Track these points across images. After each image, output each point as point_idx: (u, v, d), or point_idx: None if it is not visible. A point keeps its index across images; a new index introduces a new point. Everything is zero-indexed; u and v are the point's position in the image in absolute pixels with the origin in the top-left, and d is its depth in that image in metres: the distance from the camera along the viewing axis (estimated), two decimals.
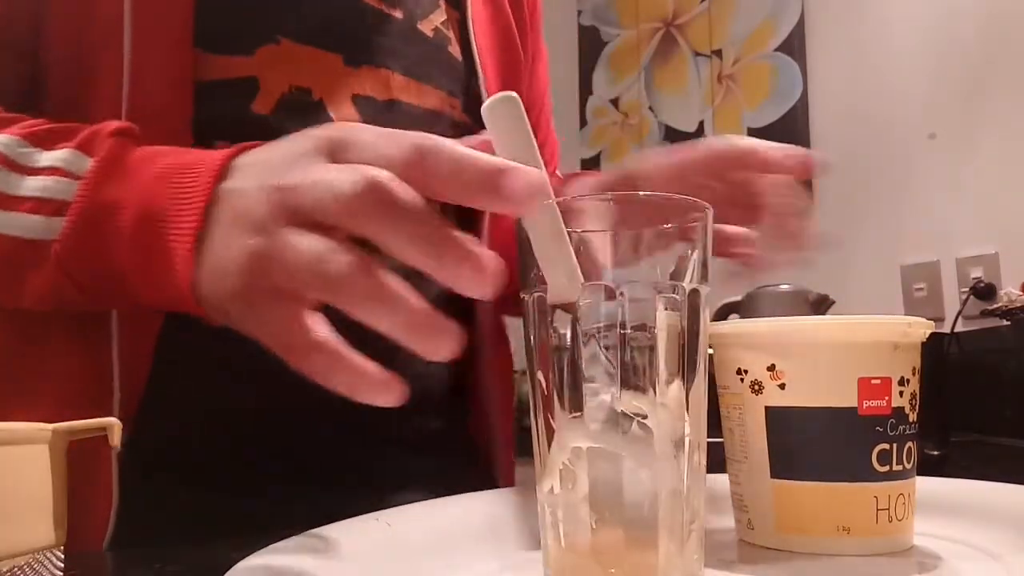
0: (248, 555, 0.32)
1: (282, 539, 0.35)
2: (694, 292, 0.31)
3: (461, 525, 0.40)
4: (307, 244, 0.32)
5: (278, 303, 0.34)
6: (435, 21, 0.65)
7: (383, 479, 0.59)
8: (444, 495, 0.56)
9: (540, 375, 0.31)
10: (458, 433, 0.66)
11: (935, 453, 0.77)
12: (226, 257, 0.35)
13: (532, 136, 0.30)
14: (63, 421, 0.40)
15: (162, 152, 0.42)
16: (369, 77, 0.58)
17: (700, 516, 0.31)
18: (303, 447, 0.56)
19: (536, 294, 0.30)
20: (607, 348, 0.29)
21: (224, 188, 0.37)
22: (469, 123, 0.64)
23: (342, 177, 0.32)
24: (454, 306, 0.60)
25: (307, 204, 0.33)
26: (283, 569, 0.32)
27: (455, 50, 0.66)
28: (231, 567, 0.30)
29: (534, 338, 0.31)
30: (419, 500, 0.52)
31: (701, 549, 0.31)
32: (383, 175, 0.31)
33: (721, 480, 0.42)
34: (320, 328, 0.33)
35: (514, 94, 0.30)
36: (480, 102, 0.46)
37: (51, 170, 0.41)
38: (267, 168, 0.36)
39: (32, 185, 0.41)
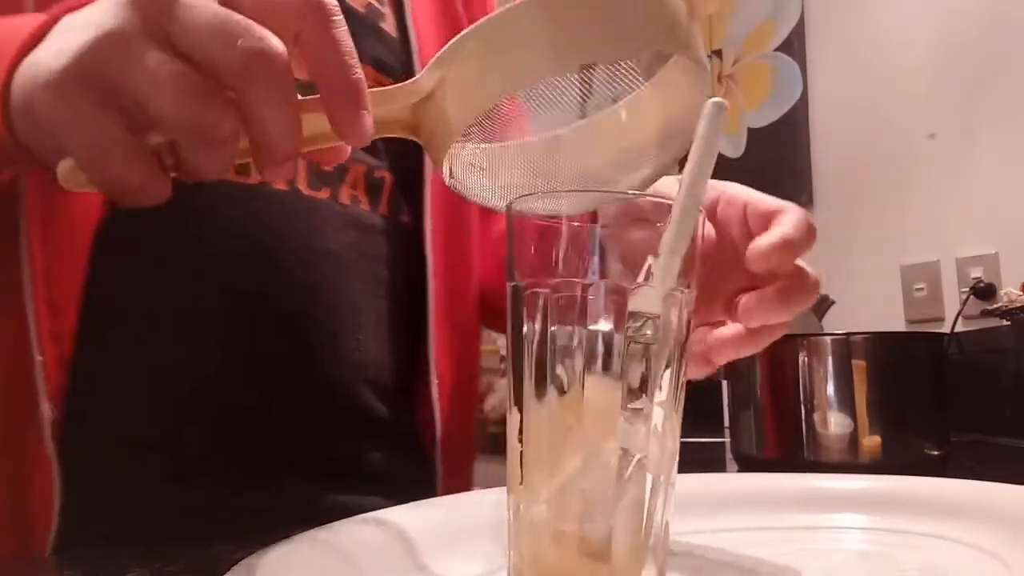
0: (248, 555, 0.32)
1: (282, 539, 0.35)
2: (690, 298, 0.30)
3: (461, 524, 0.40)
4: (162, 58, 0.30)
5: (99, 106, 0.31)
6: None
7: (325, 466, 0.59)
8: (383, 489, 0.59)
9: (527, 369, 0.30)
10: (404, 426, 0.66)
11: (935, 453, 0.77)
12: (62, 41, 0.33)
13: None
14: None
15: None
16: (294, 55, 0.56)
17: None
18: (248, 435, 0.55)
19: (529, 289, 0.30)
20: (609, 347, 0.29)
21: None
22: None
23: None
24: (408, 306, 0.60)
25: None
26: (283, 569, 0.32)
27: (388, 26, 0.64)
28: (231, 567, 0.30)
29: (526, 331, 0.30)
30: (351, 493, 0.56)
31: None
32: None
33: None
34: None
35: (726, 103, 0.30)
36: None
37: None
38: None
39: None
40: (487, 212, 0.72)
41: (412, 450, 0.66)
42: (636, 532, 0.29)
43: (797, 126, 1.77)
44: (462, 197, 0.39)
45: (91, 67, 0.31)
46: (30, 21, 0.36)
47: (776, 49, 1.81)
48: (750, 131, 1.86)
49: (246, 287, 0.55)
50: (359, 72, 0.33)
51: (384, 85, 0.57)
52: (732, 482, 0.53)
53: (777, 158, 1.80)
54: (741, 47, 1.89)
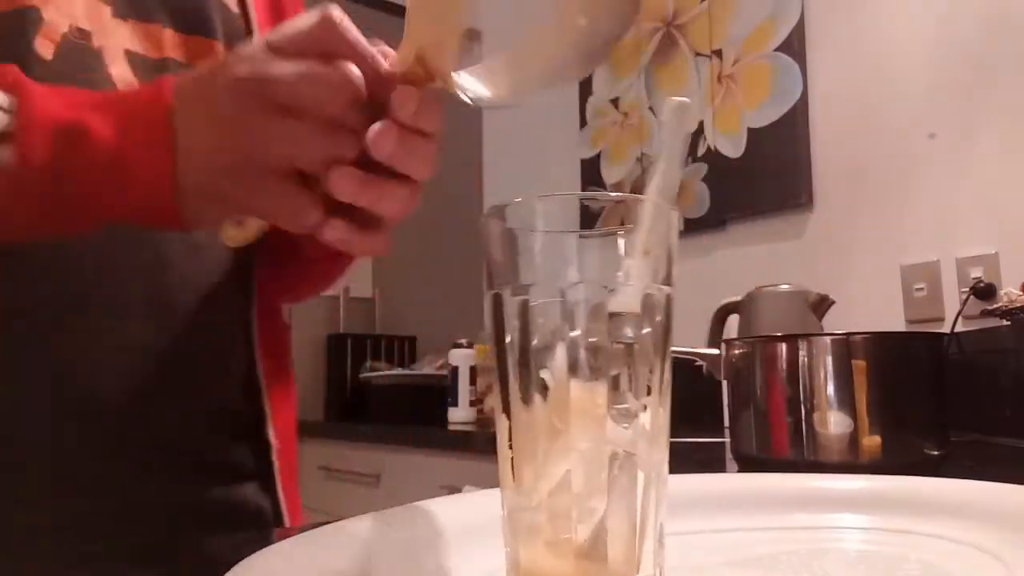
0: (248, 555, 0.32)
1: (282, 539, 0.35)
2: (668, 296, 0.30)
3: (461, 524, 0.40)
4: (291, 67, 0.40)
5: (269, 174, 0.41)
6: None
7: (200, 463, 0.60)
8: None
9: (511, 375, 0.30)
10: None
11: (935, 453, 0.77)
12: (202, 138, 0.42)
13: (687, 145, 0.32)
14: None
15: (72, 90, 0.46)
16: (139, 32, 0.58)
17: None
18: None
19: (507, 297, 0.30)
20: (593, 349, 0.29)
21: (180, 89, 0.43)
22: None
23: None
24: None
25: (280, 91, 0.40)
26: (283, 569, 0.32)
27: (231, 2, 0.66)
28: (230, 567, 0.30)
29: (508, 339, 0.30)
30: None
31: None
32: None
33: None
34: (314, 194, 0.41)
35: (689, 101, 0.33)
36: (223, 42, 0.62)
37: None
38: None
39: None
40: None
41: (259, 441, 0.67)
42: (630, 532, 0.29)
43: (797, 126, 1.77)
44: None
45: (248, 154, 0.41)
46: (140, 115, 0.43)
47: (776, 49, 1.81)
48: (750, 131, 1.86)
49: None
50: (379, 58, 0.43)
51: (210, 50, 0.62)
52: (732, 482, 0.53)
53: (777, 158, 1.80)
54: (741, 47, 1.89)
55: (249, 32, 0.66)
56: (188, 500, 0.59)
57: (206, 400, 0.62)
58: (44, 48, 0.52)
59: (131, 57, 0.57)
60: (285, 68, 0.40)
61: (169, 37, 0.59)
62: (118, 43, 0.57)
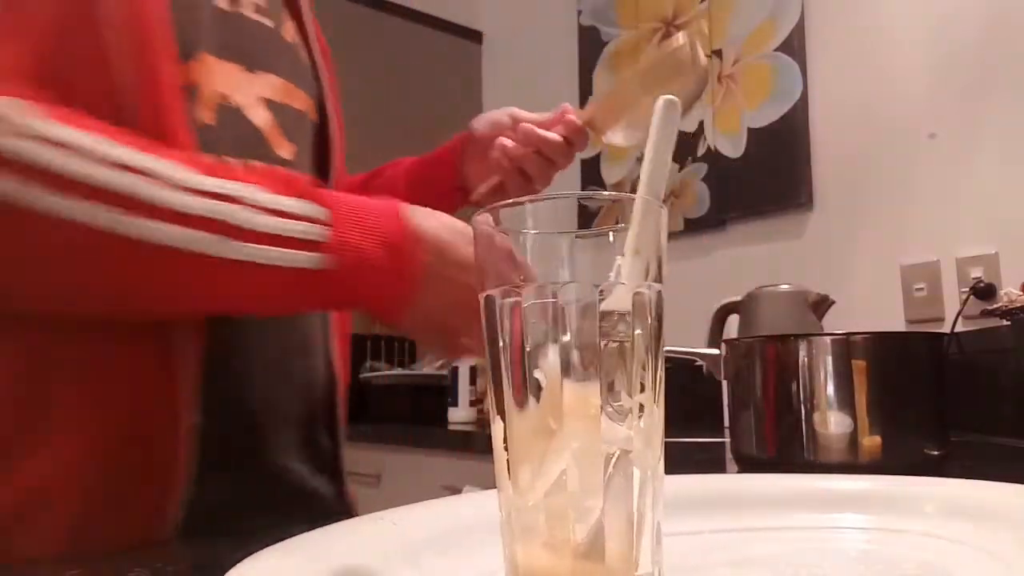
0: (248, 555, 0.32)
1: (281, 540, 0.35)
2: (659, 294, 0.30)
3: (461, 524, 0.40)
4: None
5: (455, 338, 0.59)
6: (290, 29, 0.73)
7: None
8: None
9: (505, 377, 0.30)
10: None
11: (935, 453, 0.77)
12: (433, 314, 0.58)
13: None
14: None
15: (356, 199, 0.58)
16: (266, 82, 0.68)
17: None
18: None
19: (500, 299, 0.30)
20: (585, 349, 0.29)
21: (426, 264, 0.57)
22: (319, 122, 0.75)
23: None
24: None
25: None
26: (283, 569, 0.32)
27: (304, 55, 0.75)
28: (231, 567, 0.30)
29: (501, 341, 0.30)
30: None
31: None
32: None
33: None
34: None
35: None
36: (323, 102, 0.77)
37: (298, 217, 0.53)
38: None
39: (288, 227, 0.52)
40: None
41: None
42: (627, 530, 0.29)
43: (797, 126, 1.77)
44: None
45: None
46: (401, 255, 0.57)
47: (776, 49, 1.81)
48: (750, 131, 1.86)
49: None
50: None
51: (310, 110, 0.74)
52: (732, 482, 0.53)
53: (777, 158, 1.80)
54: (741, 47, 1.89)
55: (318, 79, 0.76)
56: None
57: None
58: (205, 115, 0.61)
59: (268, 104, 0.67)
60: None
61: (279, 84, 0.69)
62: (253, 93, 0.66)
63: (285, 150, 0.68)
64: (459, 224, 0.59)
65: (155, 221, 0.47)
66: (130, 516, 0.55)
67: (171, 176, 0.49)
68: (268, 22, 0.69)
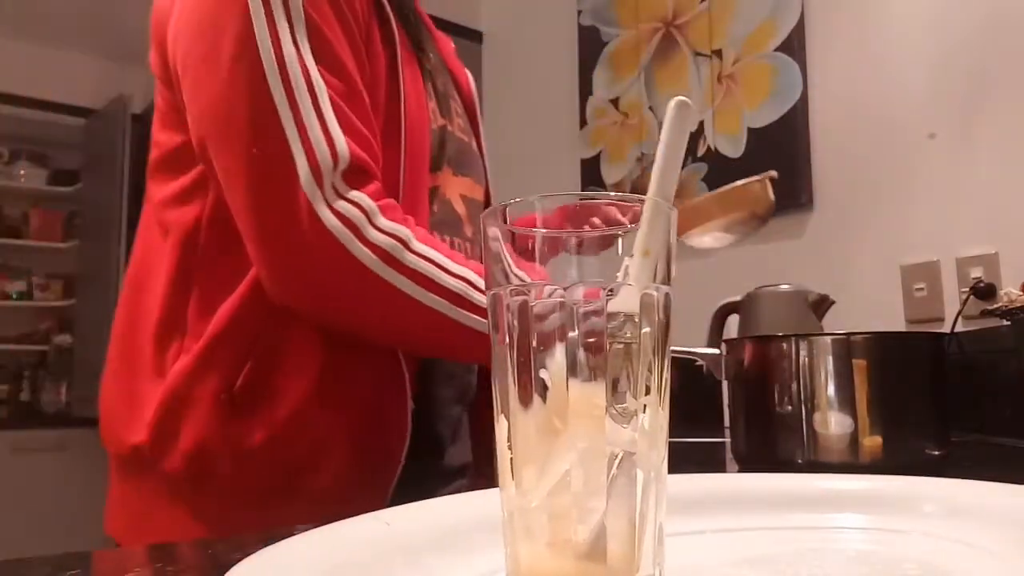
0: (248, 555, 0.32)
1: (281, 539, 0.35)
2: (667, 295, 0.30)
3: (462, 523, 0.40)
4: None
5: None
6: (463, 124, 0.95)
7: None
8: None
9: (510, 376, 0.30)
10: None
11: (935, 453, 0.77)
12: None
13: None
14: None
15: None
16: (464, 183, 0.92)
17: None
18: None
19: (507, 298, 0.30)
20: (591, 349, 0.29)
21: None
22: (486, 202, 0.97)
23: None
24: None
25: None
26: (283, 569, 0.32)
27: (474, 143, 0.97)
28: (231, 567, 0.30)
29: (507, 339, 0.30)
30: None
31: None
32: None
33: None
34: None
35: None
36: (487, 185, 1.01)
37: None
38: None
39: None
40: None
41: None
42: (630, 531, 0.29)
43: (797, 126, 1.77)
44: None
45: None
46: None
47: (776, 49, 1.81)
48: (750, 131, 1.86)
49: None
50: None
51: (481, 195, 0.98)
52: (732, 482, 0.53)
53: (777, 158, 1.80)
54: (741, 47, 1.89)
55: (485, 172, 1.00)
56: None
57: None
58: (434, 205, 0.86)
59: (462, 198, 0.91)
60: None
61: (471, 184, 0.94)
62: (455, 190, 0.90)
63: (470, 230, 0.92)
64: None
65: (471, 313, 0.74)
66: (371, 469, 0.78)
67: (477, 283, 0.74)
68: (466, 138, 0.94)
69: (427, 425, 0.84)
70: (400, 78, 0.82)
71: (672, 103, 0.31)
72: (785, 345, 0.79)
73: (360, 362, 0.78)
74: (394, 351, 0.79)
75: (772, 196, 0.98)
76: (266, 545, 0.33)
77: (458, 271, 0.74)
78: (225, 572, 0.30)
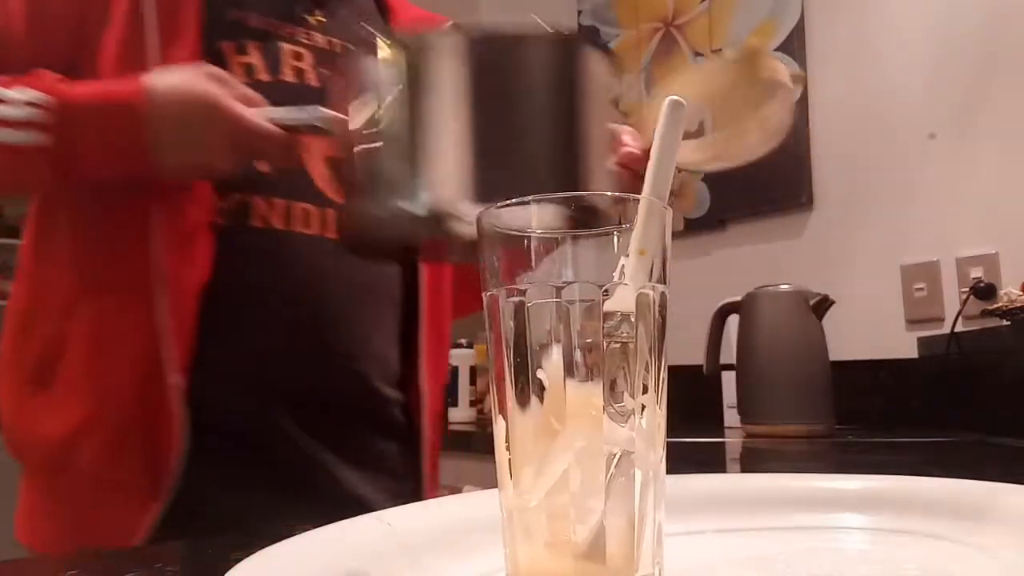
0: (248, 555, 0.32)
1: (282, 539, 0.34)
2: (663, 295, 0.30)
3: (461, 523, 0.40)
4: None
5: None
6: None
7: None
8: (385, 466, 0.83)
9: (508, 376, 0.30)
10: (400, 417, 0.87)
11: (936, 453, 0.77)
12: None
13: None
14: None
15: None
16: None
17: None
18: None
19: (504, 298, 0.30)
20: (589, 349, 0.29)
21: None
22: None
23: None
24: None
25: None
26: (283, 569, 0.32)
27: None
28: (231, 567, 0.30)
29: (505, 339, 0.30)
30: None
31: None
32: None
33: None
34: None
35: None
36: None
37: (17, 102, 0.67)
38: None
39: (13, 113, 0.67)
40: None
41: (405, 436, 0.87)
42: (629, 531, 0.29)
43: (797, 126, 1.77)
44: None
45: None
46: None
47: (776, 49, 1.81)
48: None
49: (306, 304, 0.79)
50: None
51: None
52: (732, 482, 0.53)
53: (777, 158, 1.80)
54: (741, 47, 1.89)
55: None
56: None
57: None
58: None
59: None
60: None
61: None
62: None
63: None
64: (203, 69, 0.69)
65: None
66: (143, 458, 0.72)
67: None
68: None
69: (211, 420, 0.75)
70: None
71: (666, 102, 0.31)
72: None
73: (115, 344, 0.74)
74: (154, 331, 0.72)
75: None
76: (266, 545, 0.33)
77: None
78: (225, 572, 0.30)
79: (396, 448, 0.86)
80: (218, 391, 0.75)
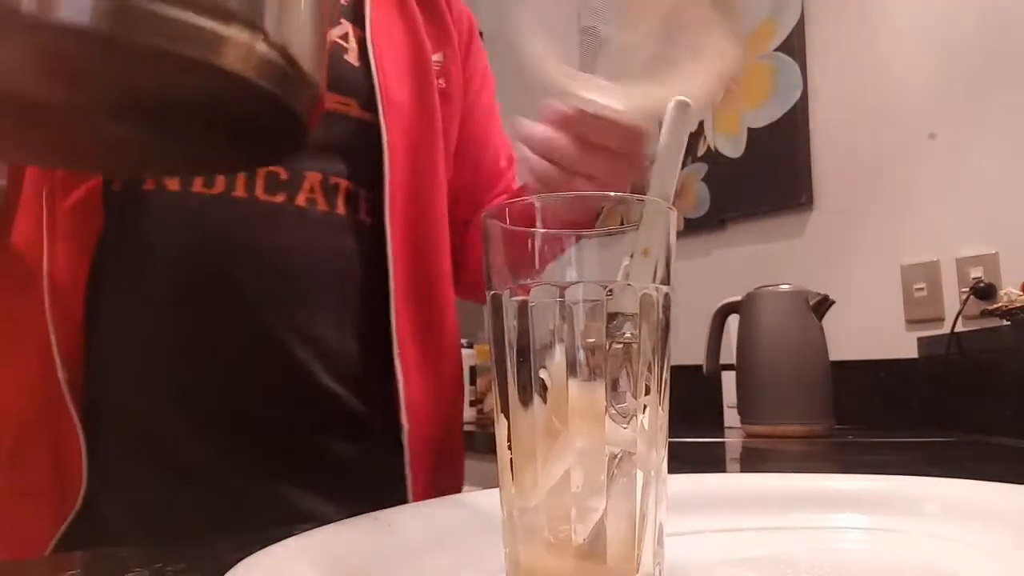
0: (248, 555, 0.32)
1: (282, 539, 0.35)
2: (666, 295, 0.30)
3: (461, 524, 0.40)
4: None
5: None
6: (334, 35, 0.78)
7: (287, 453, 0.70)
8: (344, 483, 0.72)
9: (510, 376, 0.30)
10: (375, 418, 0.75)
11: (936, 453, 0.77)
12: None
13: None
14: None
15: None
16: None
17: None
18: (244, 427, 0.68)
19: (507, 297, 0.30)
20: (591, 349, 0.29)
21: None
22: (368, 118, 0.76)
23: None
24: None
25: None
26: (283, 569, 0.32)
27: (352, 58, 0.78)
28: (231, 567, 0.30)
29: (507, 338, 0.30)
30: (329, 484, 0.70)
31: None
32: None
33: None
34: None
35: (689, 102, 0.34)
36: (375, 101, 0.77)
37: None
38: None
39: None
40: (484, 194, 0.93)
41: (380, 442, 0.74)
42: (630, 531, 0.29)
43: (797, 126, 1.77)
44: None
45: None
46: None
47: (776, 49, 1.81)
48: (750, 131, 1.86)
49: (213, 277, 0.67)
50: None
51: (348, 106, 0.76)
52: (732, 482, 0.53)
53: (777, 158, 1.80)
54: None
55: (370, 81, 0.79)
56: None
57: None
58: None
59: None
60: None
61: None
62: None
63: None
64: None
65: None
66: (49, 464, 0.65)
67: None
68: None
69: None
70: None
71: (672, 103, 0.31)
72: None
73: (5, 340, 0.67)
74: (48, 351, 0.64)
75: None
76: (266, 545, 0.33)
77: None
78: (225, 572, 0.30)
79: (356, 451, 0.73)
80: (109, 387, 0.66)
